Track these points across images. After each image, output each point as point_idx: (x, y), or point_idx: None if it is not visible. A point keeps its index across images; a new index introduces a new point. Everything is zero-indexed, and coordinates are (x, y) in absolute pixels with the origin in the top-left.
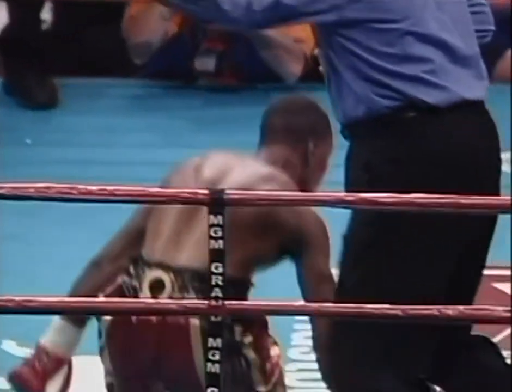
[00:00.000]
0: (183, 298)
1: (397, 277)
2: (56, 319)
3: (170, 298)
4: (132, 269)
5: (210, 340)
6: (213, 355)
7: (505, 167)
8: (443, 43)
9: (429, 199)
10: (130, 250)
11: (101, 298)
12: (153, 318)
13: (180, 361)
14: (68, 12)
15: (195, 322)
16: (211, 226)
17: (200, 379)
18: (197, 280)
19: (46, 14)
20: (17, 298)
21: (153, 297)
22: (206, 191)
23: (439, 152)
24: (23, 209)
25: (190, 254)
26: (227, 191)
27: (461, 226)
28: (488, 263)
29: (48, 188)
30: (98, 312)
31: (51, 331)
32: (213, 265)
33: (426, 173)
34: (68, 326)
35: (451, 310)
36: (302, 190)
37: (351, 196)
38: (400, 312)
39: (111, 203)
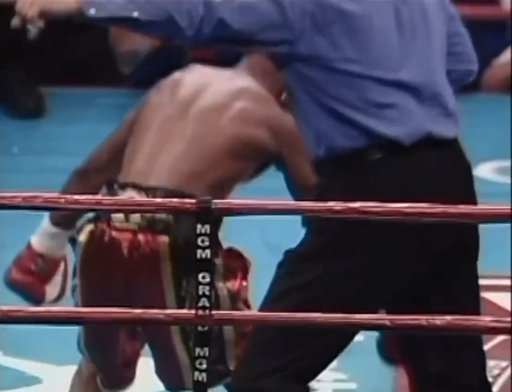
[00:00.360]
0: (153, 217)
1: (336, 287)
2: (46, 225)
3: (141, 216)
4: (106, 192)
5: (197, 349)
6: (200, 364)
7: (504, 177)
8: (404, 85)
9: (421, 208)
10: (116, 162)
11: (89, 308)
12: (125, 250)
13: (150, 294)
14: (55, 20)
15: (164, 255)
16: (199, 235)
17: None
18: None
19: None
20: (3, 308)
21: (125, 217)
22: (193, 201)
23: (402, 194)
24: (11, 218)
25: (163, 175)
26: (214, 201)
27: (418, 241)
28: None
29: (35, 197)
30: (85, 321)
31: (42, 235)
32: (200, 275)
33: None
34: (59, 231)
35: (438, 320)
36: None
37: (339, 206)
38: (387, 322)
39: (98, 212)
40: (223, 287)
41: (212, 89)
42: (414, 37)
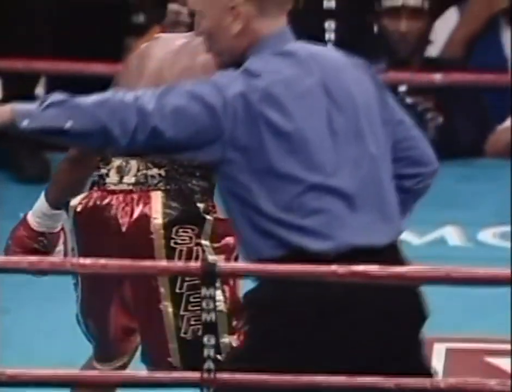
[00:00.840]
0: (146, 175)
1: None
2: (44, 209)
3: (135, 176)
4: (100, 164)
5: None
6: None
7: (507, 243)
8: (337, 191)
9: (425, 272)
10: None
11: (94, 371)
12: (119, 210)
13: (142, 248)
14: (62, 87)
15: (156, 208)
16: (204, 298)
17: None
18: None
19: (40, 89)
20: (8, 371)
21: (119, 178)
22: (198, 265)
23: (322, 304)
24: (16, 282)
25: None
26: (219, 264)
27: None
28: (480, 336)
29: (41, 261)
30: (91, 383)
31: (42, 218)
32: (206, 337)
33: (298, 324)
34: (58, 212)
35: (442, 383)
36: None
37: (343, 270)
38: (392, 386)
39: (103, 276)
40: (209, 247)
41: (178, 60)
42: (349, 144)
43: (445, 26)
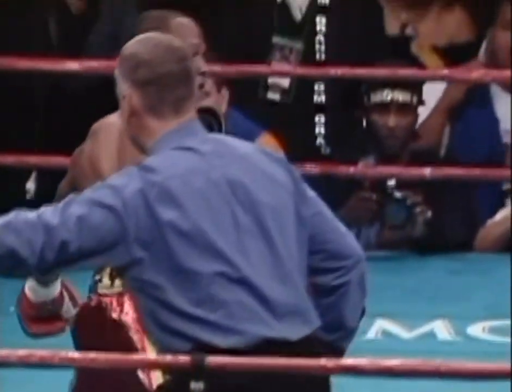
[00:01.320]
0: None
1: None
2: (35, 286)
3: None
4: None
5: None
6: None
7: (497, 337)
8: (246, 283)
9: (414, 366)
10: None
11: None
12: (112, 312)
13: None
14: (52, 182)
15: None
16: None
17: None
18: None
19: (31, 184)
20: None
21: (111, 283)
22: (187, 358)
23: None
24: (7, 377)
25: None
26: (208, 358)
27: None
28: None
29: (30, 355)
30: None
31: (35, 292)
32: None
33: None
34: (47, 287)
35: None
36: None
37: (332, 363)
38: None
39: (93, 369)
40: None
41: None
42: (255, 239)
43: (433, 92)
